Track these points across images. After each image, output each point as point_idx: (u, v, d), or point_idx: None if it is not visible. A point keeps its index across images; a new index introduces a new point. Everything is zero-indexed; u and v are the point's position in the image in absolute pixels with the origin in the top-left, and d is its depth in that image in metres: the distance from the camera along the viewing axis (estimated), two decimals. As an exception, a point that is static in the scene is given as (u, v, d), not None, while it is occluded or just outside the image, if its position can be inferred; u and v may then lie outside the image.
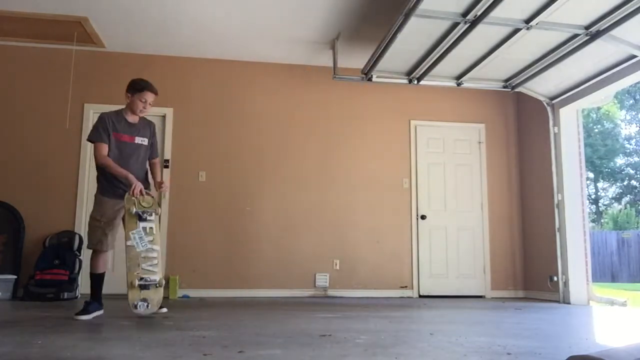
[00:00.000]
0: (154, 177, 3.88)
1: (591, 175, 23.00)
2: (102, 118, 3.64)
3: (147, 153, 3.83)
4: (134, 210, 3.56)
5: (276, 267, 6.03)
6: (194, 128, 6.12)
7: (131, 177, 3.55)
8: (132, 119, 3.75)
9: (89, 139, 3.66)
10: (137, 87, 3.71)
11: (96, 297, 3.63)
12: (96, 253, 3.62)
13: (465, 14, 4.28)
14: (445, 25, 4.52)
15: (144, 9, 5.09)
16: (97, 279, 3.64)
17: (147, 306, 3.53)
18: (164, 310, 3.78)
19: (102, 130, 3.60)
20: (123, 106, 3.79)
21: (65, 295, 5.15)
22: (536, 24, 4.37)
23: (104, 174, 3.64)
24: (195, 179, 6.04)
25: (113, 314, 3.77)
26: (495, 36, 4.71)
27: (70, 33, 5.53)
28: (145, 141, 3.80)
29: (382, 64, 5.26)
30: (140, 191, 3.59)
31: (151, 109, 3.85)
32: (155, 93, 3.77)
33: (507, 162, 6.71)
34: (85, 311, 3.48)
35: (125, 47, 6.01)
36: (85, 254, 5.65)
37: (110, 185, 3.65)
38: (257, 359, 2.13)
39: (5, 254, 5.45)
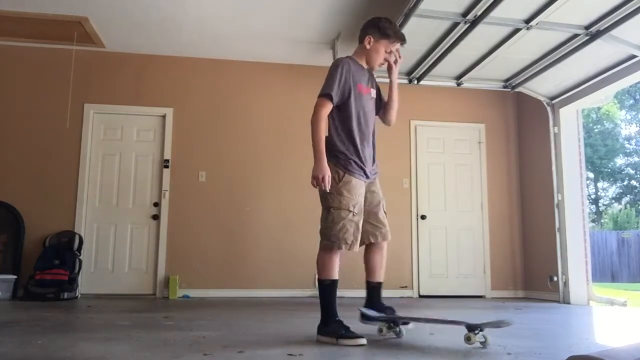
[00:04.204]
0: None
1: (591, 175, 23.00)
2: (340, 64, 2.67)
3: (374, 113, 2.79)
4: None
5: (276, 267, 6.02)
6: (194, 128, 6.12)
7: (323, 162, 2.52)
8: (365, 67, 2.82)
9: (325, 93, 2.62)
10: (386, 31, 2.81)
11: (334, 312, 2.57)
12: (334, 252, 2.60)
13: (465, 14, 4.28)
14: (445, 25, 4.52)
15: (144, 9, 5.09)
16: (335, 287, 2.59)
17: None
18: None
19: (339, 82, 2.59)
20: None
21: (65, 295, 5.15)
22: (536, 24, 4.37)
23: (343, 142, 2.65)
24: (195, 179, 6.04)
25: (113, 314, 3.78)
26: (495, 36, 4.71)
27: (70, 33, 5.53)
28: (374, 94, 2.84)
29: (382, 64, 5.25)
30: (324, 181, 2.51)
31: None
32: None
33: (507, 162, 6.70)
34: (343, 335, 2.49)
35: (125, 47, 6.00)
36: (85, 254, 5.66)
37: (358, 161, 2.66)
38: (257, 359, 2.13)
39: (5, 254, 5.45)
